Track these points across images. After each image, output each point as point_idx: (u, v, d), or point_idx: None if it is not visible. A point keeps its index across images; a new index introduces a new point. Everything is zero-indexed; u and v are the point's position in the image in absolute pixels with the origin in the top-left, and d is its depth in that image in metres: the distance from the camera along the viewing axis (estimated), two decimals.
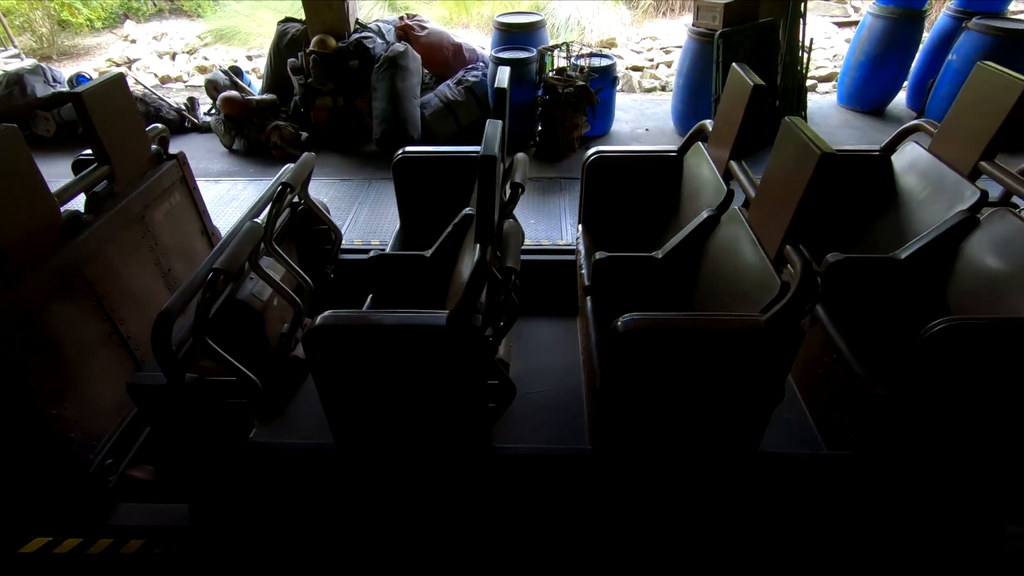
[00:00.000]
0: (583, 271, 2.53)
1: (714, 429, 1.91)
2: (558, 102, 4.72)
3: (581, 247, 2.75)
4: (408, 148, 2.82)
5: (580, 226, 2.91)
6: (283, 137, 5.02)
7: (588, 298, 2.37)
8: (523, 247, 3.63)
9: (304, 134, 5.24)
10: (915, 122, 2.63)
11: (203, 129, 5.61)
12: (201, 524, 2.24)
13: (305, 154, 2.48)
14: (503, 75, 2.34)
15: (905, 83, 5.66)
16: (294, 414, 2.46)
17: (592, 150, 2.79)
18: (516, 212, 4.39)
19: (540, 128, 5.03)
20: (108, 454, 2.29)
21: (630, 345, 1.68)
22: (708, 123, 2.58)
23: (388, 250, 2.67)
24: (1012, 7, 5.43)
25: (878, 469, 2.00)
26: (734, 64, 2.38)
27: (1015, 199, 2.23)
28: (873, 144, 2.73)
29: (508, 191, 2.25)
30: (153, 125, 2.73)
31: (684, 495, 2.13)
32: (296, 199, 2.66)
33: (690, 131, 2.71)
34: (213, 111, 5.38)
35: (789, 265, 1.72)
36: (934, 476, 2.03)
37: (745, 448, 1.96)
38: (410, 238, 2.89)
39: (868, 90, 5.54)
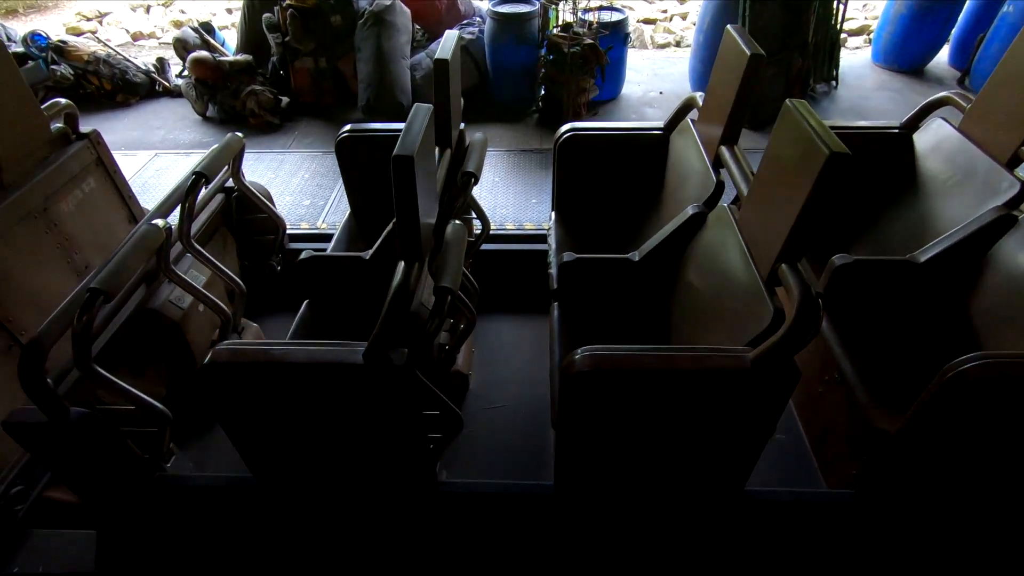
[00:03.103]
0: (552, 270, 2.28)
1: (693, 470, 1.70)
2: (563, 63, 4.24)
3: (552, 239, 2.48)
4: (352, 125, 2.54)
5: (553, 213, 2.63)
6: (260, 103, 4.57)
7: (555, 303, 2.12)
8: (501, 231, 3.33)
9: (284, 99, 4.78)
10: (943, 94, 2.27)
11: (175, 93, 5.15)
12: (109, 558, 2.05)
13: (229, 135, 2.25)
14: (448, 43, 1.97)
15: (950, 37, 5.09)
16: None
17: (565, 127, 2.47)
18: (506, 189, 3.99)
19: (543, 92, 4.56)
20: (16, 480, 2.06)
21: (588, 385, 1.45)
22: (699, 96, 2.21)
23: (335, 238, 2.49)
24: None
25: (883, 513, 1.77)
26: (729, 26, 1.99)
27: None
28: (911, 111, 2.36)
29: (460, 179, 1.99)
30: (54, 100, 2.35)
31: (660, 541, 1.93)
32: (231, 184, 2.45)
33: (677, 106, 2.36)
34: (184, 73, 4.91)
35: (783, 283, 1.45)
36: (948, 527, 1.80)
37: (729, 488, 1.75)
38: (361, 226, 2.66)
39: (908, 46, 4.99)
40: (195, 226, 2.47)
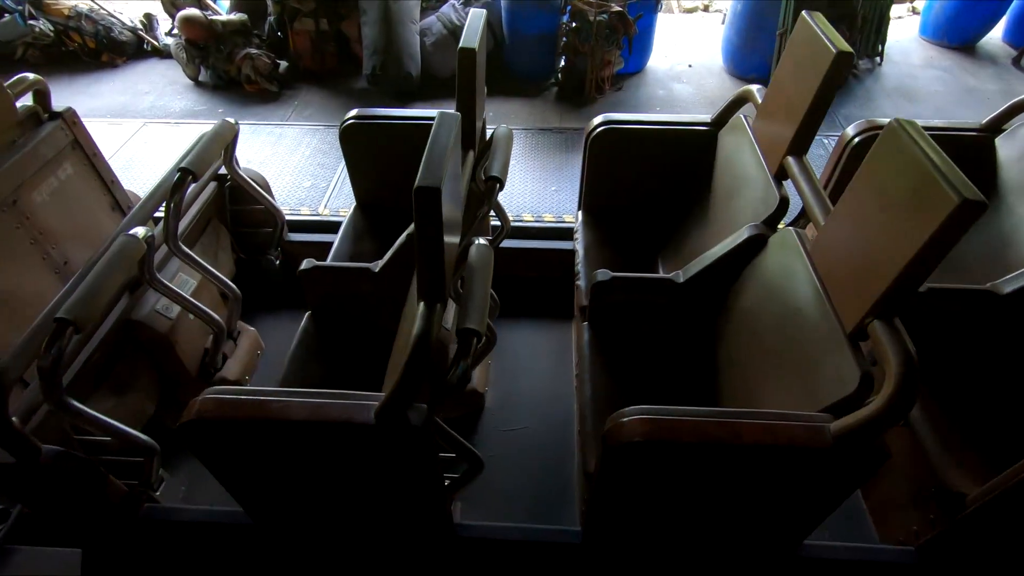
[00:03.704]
0: (580, 281, 2.08)
1: (745, 533, 1.54)
2: (588, 32, 3.87)
3: (579, 243, 2.26)
4: (358, 111, 2.28)
5: (580, 213, 2.39)
6: (257, 69, 4.21)
7: (585, 324, 1.91)
8: (518, 223, 3.08)
9: (282, 63, 4.42)
10: None
11: (165, 54, 4.77)
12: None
13: (221, 121, 2.03)
14: (474, 25, 1.73)
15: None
16: None
17: (599, 119, 2.21)
18: (523, 175, 3.67)
19: (563, 64, 4.20)
20: None
21: (638, 454, 1.25)
22: (756, 90, 1.94)
23: (340, 234, 2.30)
24: None
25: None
26: (804, 13, 1.69)
27: None
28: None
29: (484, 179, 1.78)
30: (21, 76, 2.08)
31: None
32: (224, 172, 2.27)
33: (730, 100, 2.07)
34: (174, 32, 4.53)
35: (872, 344, 1.22)
36: None
37: (783, 548, 1.60)
38: (368, 220, 2.44)
39: (962, 20, 4.58)
40: (184, 222, 2.23)
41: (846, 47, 1.51)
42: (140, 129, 3.92)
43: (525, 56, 4.27)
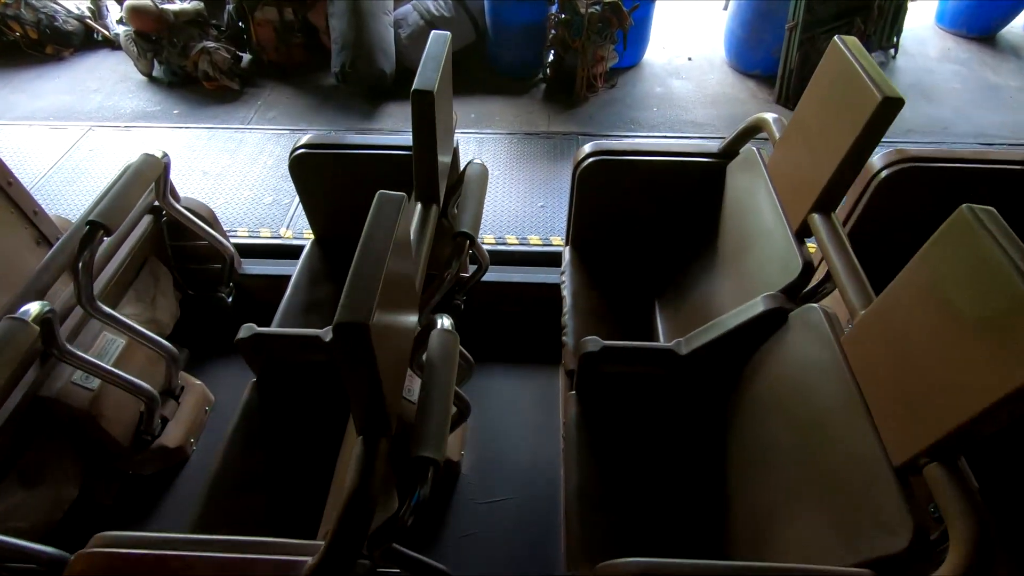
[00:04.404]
0: (567, 338, 1.82)
1: None
2: (579, 25, 3.51)
3: (566, 286, 2.01)
4: (308, 139, 1.98)
5: (567, 250, 2.13)
6: (215, 64, 3.83)
7: (573, 394, 1.67)
8: (500, 247, 2.78)
9: (245, 56, 4.03)
10: None
11: (117, 44, 4.35)
12: None
13: (143, 155, 1.75)
14: (434, 52, 1.44)
15: None
16: (166, 514, 1.93)
17: (588, 148, 1.93)
18: (507, 188, 3.36)
19: (551, 58, 3.84)
20: None
21: None
22: (772, 120, 1.66)
23: (295, 275, 2.06)
24: None
25: None
26: (837, 39, 1.39)
27: None
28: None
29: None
30: None
31: None
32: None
33: (740, 128, 1.79)
34: (124, 20, 4.11)
35: (933, 494, 0.96)
36: None
37: None
38: (327, 257, 2.19)
39: (983, 8, 4.24)
40: (108, 271, 1.93)
41: (894, 92, 1.22)
42: (86, 134, 3.55)
43: (510, 49, 3.91)
